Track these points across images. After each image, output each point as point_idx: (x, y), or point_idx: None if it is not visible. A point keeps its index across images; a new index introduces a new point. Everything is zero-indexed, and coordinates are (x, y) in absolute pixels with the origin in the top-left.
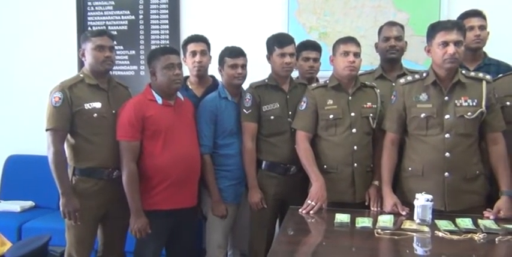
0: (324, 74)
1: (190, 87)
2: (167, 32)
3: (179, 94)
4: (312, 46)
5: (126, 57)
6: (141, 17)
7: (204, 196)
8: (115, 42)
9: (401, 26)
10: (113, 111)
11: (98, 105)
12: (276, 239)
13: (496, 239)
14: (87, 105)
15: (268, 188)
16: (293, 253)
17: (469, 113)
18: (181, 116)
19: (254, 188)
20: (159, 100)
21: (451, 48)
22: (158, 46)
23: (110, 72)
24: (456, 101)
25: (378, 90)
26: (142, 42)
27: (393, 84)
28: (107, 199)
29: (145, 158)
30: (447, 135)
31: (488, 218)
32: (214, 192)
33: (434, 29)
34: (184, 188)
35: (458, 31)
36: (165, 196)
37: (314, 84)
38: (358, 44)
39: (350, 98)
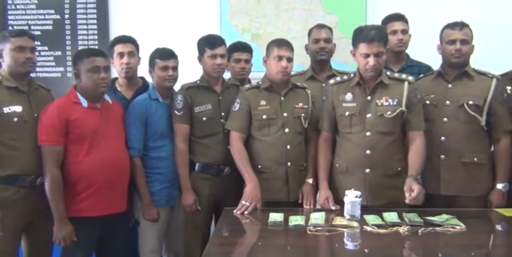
0: (256, 75)
1: (119, 89)
2: (95, 32)
3: (107, 97)
4: (242, 47)
5: (52, 58)
6: (67, 16)
7: (136, 200)
8: (38, 43)
9: (330, 29)
10: (35, 115)
11: (18, 109)
12: (210, 241)
13: (419, 231)
14: (6, 109)
15: (202, 190)
16: (228, 255)
17: (388, 112)
18: (109, 119)
19: (187, 190)
20: (84, 103)
21: (371, 60)
22: (86, 47)
23: (34, 74)
24: (377, 101)
25: (309, 91)
26: (68, 42)
27: (323, 85)
28: (30, 207)
29: (69, 163)
30: (368, 133)
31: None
32: (145, 195)
33: (357, 38)
34: (112, 193)
35: (378, 42)
36: (91, 201)
37: (247, 86)
38: (292, 49)
39: (282, 98)
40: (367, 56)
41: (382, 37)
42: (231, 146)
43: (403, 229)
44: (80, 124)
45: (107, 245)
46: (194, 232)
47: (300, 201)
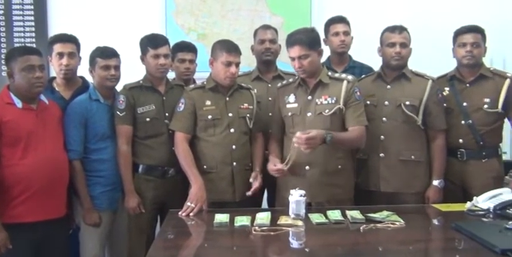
0: (201, 75)
1: (56, 89)
2: (32, 29)
3: (43, 97)
4: (187, 47)
5: None
6: (1, 12)
7: (76, 204)
8: None
9: (275, 30)
10: None
11: None
12: (154, 244)
13: (361, 228)
14: None
15: (145, 192)
16: None
17: (326, 110)
18: (45, 121)
19: (130, 192)
20: (18, 104)
21: (296, 63)
22: (22, 45)
23: None
24: (317, 100)
25: (254, 92)
26: (3, 40)
27: (269, 85)
28: None
29: (3, 166)
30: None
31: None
32: (85, 200)
33: (286, 43)
34: (50, 197)
35: (300, 46)
36: (28, 206)
37: (192, 86)
38: (240, 53)
39: (227, 99)
40: (292, 59)
41: (305, 41)
42: (175, 147)
43: (346, 226)
44: (14, 126)
45: (46, 252)
46: (138, 236)
47: (247, 193)
